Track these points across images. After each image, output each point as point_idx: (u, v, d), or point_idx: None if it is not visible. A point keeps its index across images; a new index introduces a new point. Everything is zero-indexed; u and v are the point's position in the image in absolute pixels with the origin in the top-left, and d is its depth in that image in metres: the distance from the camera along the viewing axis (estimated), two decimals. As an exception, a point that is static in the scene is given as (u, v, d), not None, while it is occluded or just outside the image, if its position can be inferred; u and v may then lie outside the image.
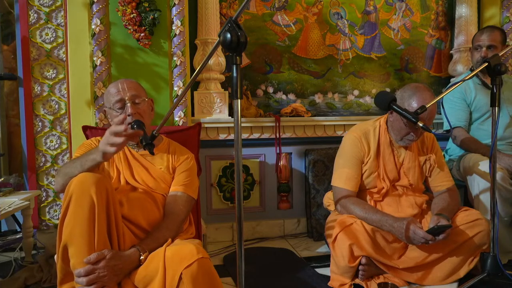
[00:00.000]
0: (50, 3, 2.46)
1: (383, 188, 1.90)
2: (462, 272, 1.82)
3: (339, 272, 1.76)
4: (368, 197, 1.94)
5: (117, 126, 1.21)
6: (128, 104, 1.51)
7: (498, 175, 1.96)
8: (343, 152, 1.96)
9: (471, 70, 2.45)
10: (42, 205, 2.52)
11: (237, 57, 1.04)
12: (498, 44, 2.26)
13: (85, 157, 1.29)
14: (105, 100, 1.59)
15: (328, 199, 2.13)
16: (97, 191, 1.20)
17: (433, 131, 2.19)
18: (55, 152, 2.51)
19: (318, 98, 2.88)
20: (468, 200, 2.24)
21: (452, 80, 3.02)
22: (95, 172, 1.28)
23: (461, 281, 1.80)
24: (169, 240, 1.33)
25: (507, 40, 2.54)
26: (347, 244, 1.71)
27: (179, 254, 1.19)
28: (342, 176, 1.91)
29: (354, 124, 2.06)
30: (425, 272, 1.81)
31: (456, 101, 2.34)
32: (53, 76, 2.49)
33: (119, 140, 1.20)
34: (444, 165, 2.01)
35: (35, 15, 2.44)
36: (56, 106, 2.50)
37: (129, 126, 1.51)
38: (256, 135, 2.64)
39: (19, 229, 2.48)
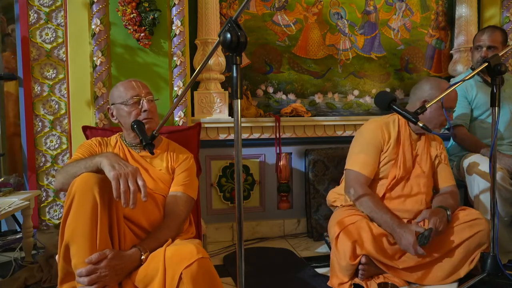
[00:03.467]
0: (50, 3, 2.45)
1: (395, 177, 1.91)
2: (462, 272, 1.82)
3: (339, 271, 1.77)
4: (378, 187, 1.94)
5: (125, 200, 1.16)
6: (144, 100, 1.56)
7: (498, 175, 1.97)
8: (361, 139, 1.98)
9: (472, 69, 2.45)
10: (42, 205, 2.52)
11: (237, 57, 1.04)
12: (499, 44, 2.26)
13: (88, 161, 1.27)
14: (114, 97, 1.61)
15: (335, 194, 2.12)
16: (99, 190, 1.19)
17: (433, 131, 2.20)
18: (55, 152, 2.51)
19: (318, 98, 2.88)
20: (468, 200, 2.24)
21: (452, 80, 3.02)
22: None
23: (461, 281, 1.80)
24: (169, 240, 1.33)
25: (508, 40, 2.54)
26: (351, 241, 1.72)
27: (179, 254, 1.18)
28: (358, 161, 1.92)
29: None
30: (425, 271, 1.81)
31: (457, 98, 2.34)
32: (53, 76, 2.49)
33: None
34: (448, 165, 2.03)
35: (35, 15, 2.44)
36: (56, 106, 2.50)
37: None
38: (256, 135, 2.64)
39: (19, 229, 2.48)
